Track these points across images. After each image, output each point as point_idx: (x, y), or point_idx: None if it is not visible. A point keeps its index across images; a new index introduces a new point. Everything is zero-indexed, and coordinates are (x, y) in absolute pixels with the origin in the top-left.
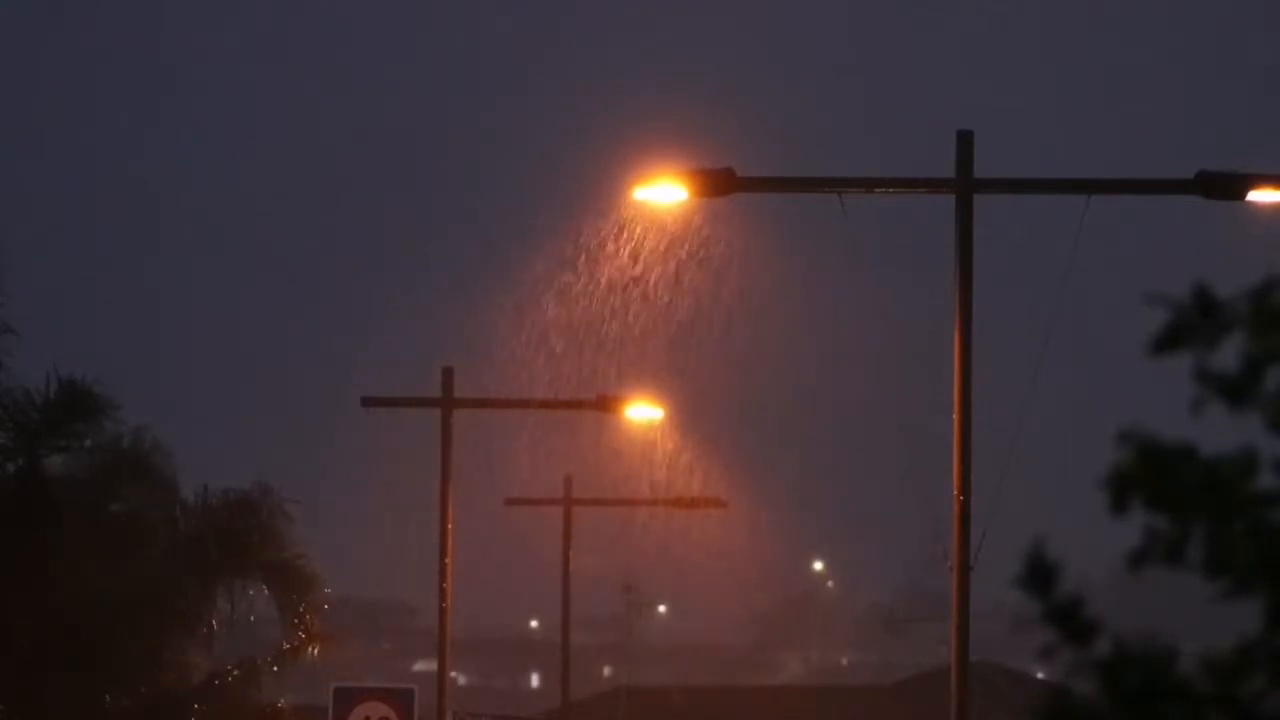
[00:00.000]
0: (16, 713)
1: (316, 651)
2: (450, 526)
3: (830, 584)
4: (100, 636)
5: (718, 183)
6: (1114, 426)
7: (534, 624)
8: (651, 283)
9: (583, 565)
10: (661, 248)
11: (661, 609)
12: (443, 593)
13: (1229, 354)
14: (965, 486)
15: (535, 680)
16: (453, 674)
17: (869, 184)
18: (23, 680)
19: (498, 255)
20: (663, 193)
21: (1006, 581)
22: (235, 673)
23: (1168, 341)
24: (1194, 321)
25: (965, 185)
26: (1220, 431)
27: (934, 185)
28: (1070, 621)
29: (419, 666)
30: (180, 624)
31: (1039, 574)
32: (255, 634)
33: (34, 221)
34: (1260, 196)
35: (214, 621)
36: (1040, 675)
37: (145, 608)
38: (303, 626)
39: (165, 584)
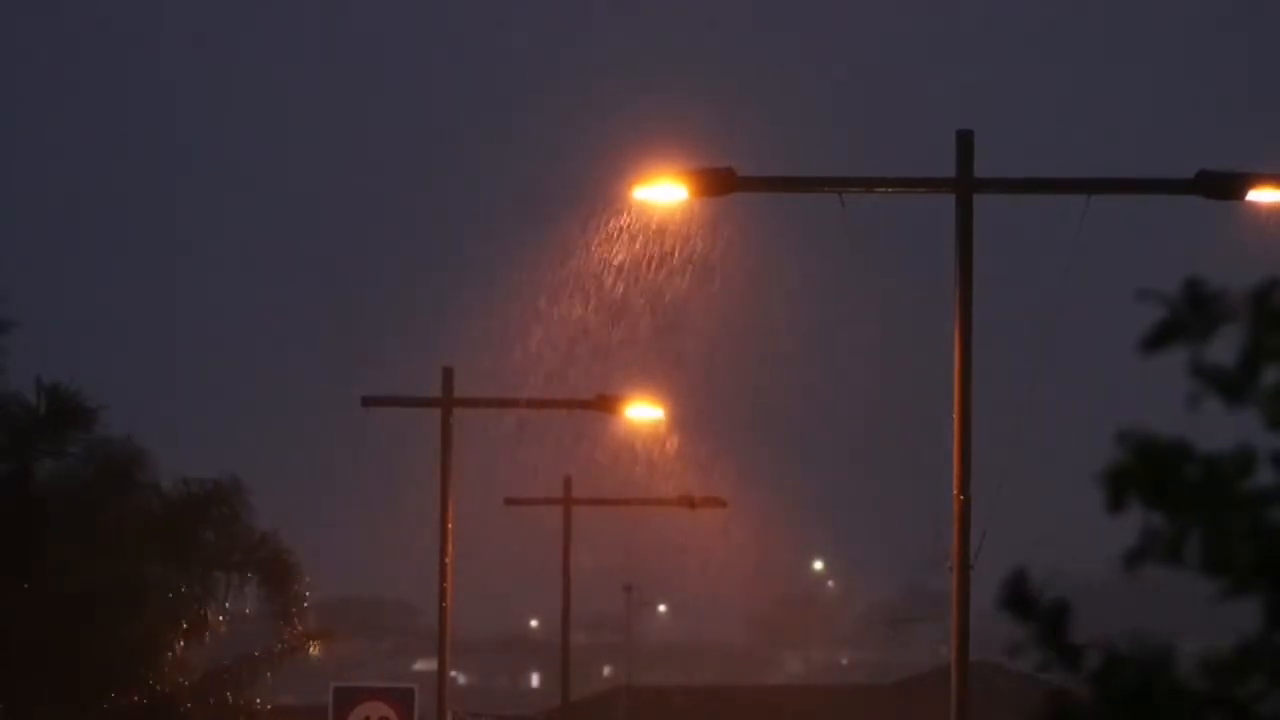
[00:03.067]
0: (15, 713)
1: (314, 650)
2: (450, 526)
3: (830, 584)
4: (95, 636)
5: (718, 183)
6: (1113, 425)
7: (534, 624)
8: (652, 283)
9: (583, 565)
10: (661, 248)
11: (661, 609)
12: (443, 593)
13: (1226, 350)
14: (965, 486)
15: (535, 680)
16: (453, 674)
17: (869, 184)
18: (21, 680)
19: (498, 255)
20: (663, 192)
21: (993, 603)
22: (242, 672)
23: (1160, 338)
24: (1186, 317)
25: (965, 185)
26: (1219, 430)
27: (934, 185)
28: (1056, 642)
29: (419, 666)
30: (172, 620)
31: (1019, 601)
32: (259, 633)
33: (33, 220)
34: (1260, 196)
35: (205, 615)
36: (1040, 676)
37: (138, 605)
38: (292, 619)
39: (151, 580)
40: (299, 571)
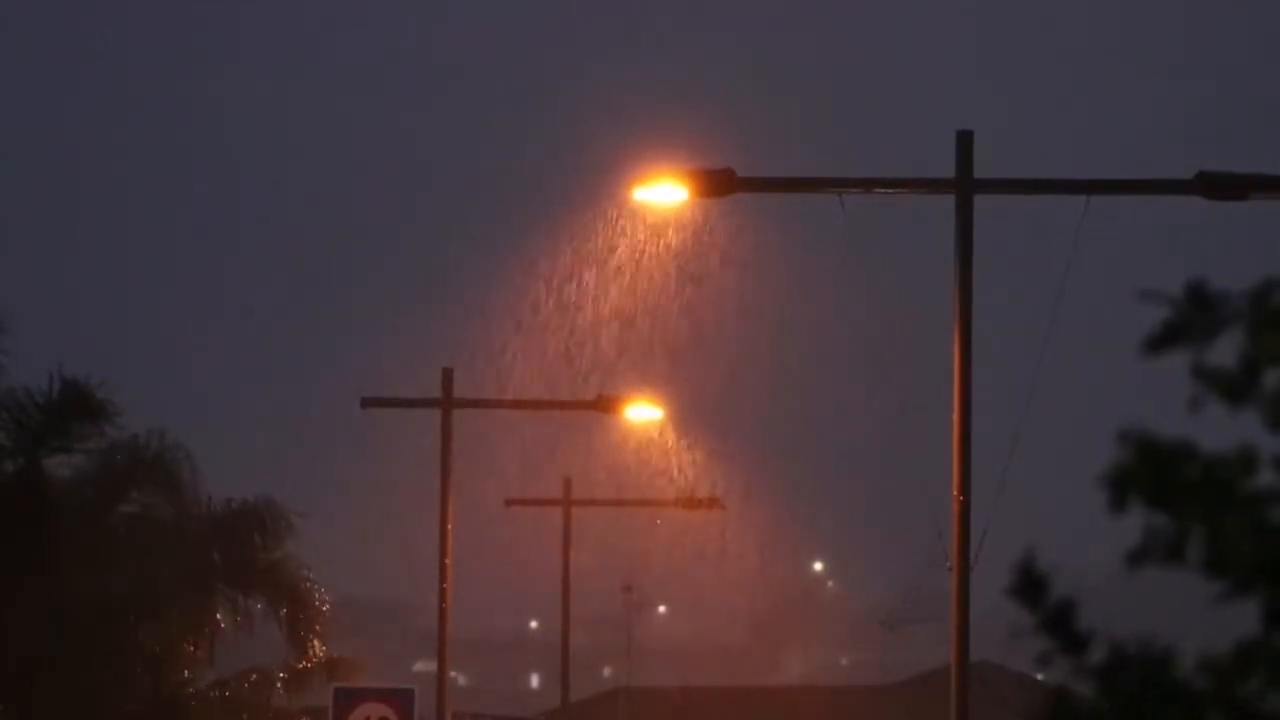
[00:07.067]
0: (16, 713)
1: (323, 666)
2: (450, 526)
3: (830, 584)
4: (101, 638)
5: (718, 183)
6: (1115, 425)
7: (534, 624)
8: (652, 283)
9: (583, 565)
10: (662, 249)
11: (661, 609)
12: (443, 593)
13: (1227, 351)
14: (965, 486)
15: (535, 680)
16: (453, 674)
17: (869, 184)
18: (23, 681)
19: (499, 257)
20: (663, 193)
21: (1001, 590)
22: (251, 679)
23: (1164, 339)
24: (1190, 318)
25: (965, 185)
26: (1221, 430)
27: (934, 185)
28: (1063, 631)
29: (419, 666)
30: (181, 629)
31: (1029, 585)
32: (260, 635)
33: (33, 219)
34: (1261, 197)
35: (214, 628)
36: (1039, 676)
37: (146, 612)
38: (308, 645)
39: (167, 589)
40: (314, 601)
